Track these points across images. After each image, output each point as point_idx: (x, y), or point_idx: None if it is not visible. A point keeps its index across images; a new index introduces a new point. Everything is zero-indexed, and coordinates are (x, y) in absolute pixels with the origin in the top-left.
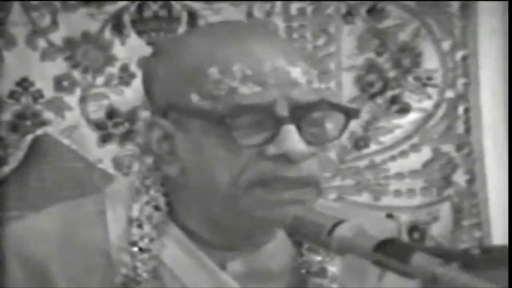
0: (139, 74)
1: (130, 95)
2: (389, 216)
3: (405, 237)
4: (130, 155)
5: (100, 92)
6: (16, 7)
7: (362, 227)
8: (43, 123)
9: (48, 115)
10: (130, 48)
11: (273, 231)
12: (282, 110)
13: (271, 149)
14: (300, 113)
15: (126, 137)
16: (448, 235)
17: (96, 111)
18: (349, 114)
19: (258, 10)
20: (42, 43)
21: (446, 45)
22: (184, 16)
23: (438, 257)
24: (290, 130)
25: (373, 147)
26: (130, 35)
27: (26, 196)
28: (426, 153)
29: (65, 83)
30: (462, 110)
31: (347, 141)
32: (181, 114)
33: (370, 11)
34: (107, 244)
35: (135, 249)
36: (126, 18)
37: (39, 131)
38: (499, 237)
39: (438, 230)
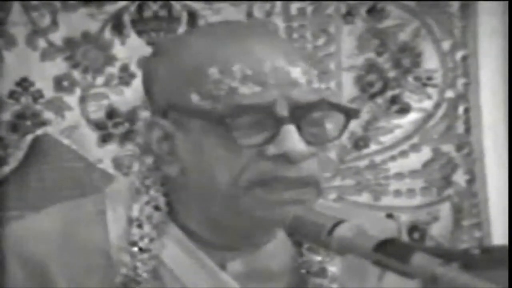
0: (139, 74)
1: (130, 95)
2: (389, 216)
3: (405, 237)
4: (130, 155)
5: (100, 92)
6: (16, 7)
7: (362, 227)
8: (43, 123)
9: (48, 115)
10: (130, 48)
11: (273, 231)
12: (282, 110)
13: (271, 149)
14: (300, 113)
15: (126, 137)
16: (448, 235)
17: (96, 111)
18: (349, 114)
19: (258, 10)
20: (42, 43)
21: (446, 45)
22: (184, 16)
23: (438, 257)
24: (290, 130)
25: (373, 147)
26: (130, 35)
27: (26, 196)
28: (426, 153)
29: (65, 83)
30: (462, 110)
31: (347, 141)
32: (181, 114)
33: (370, 11)
34: (107, 244)
35: (135, 249)
36: (126, 18)
37: (39, 131)
38: (499, 237)
39: (438, 230)
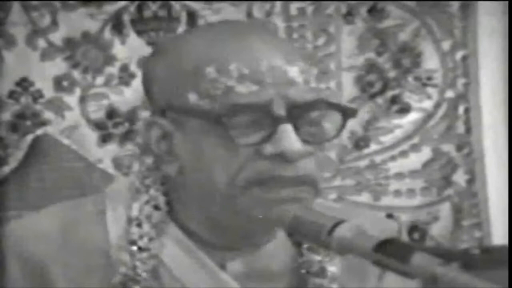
0: (139, 74)
1: (130, 95)
2: (389, 216)
3: (405, 237)
4: (130, 155)
5: (100, 92)
6: (16, 7)
7: (362, 227)
8: (43, 123)
9: (48, 115)
10: (130, 48)
11: (273, 231)
12: (279, 109)
13: (268, 148)
14: (297, 112)
15: (126, 137)
16: (448, 235)
17: (96, 111)
18: (347, 113)
19: (258, 10)
20: (42, 43)
21: (446, 45)
22: (184, 16)
23: (438, 257)
24: (287, 129)
25: (373, 147)
26: (130, 35)
27: (26, 196)
28: (426, 153)
29: (65, 83)
30: (462, 110)
31: (347, 141)
32: (180, 113)
33: (370, 11)
34: (107, 244)
35: (134, 248)
36: (126, 18)
37: (39, 131)
38: (499, 237)
39: (438, 230)
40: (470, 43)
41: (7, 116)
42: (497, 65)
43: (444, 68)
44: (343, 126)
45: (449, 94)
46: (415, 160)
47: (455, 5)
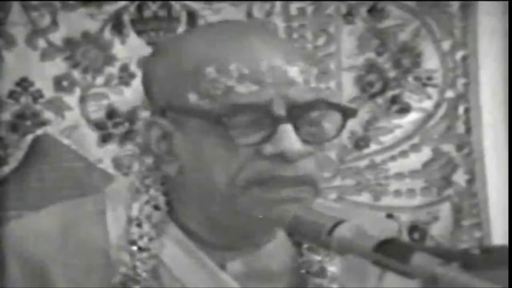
0: (139, 74)
1: (130, 95)
2: (389, 216)
3: (405, 237)
4: (130, 155)
5: (100, 92)
6: (16, 7)
7: (362, 227)
8: (43, 123)
9: (48, 115)
10: (130, 48)
11: (273, 231)
12: (279, 109)
13: (268, 148)
14: (297, 112)
15: (126, 137)
16: (448, 235)
17: (96, 111)
18: (347, 113)
19: (258, 10)
20: (42, 43)
21: (446, 45)
22: (184, 16)
23: (438, 257)
24: (287, 129)
25: (373, 147)
26: (130, 35)
27: (26, 196)
28: (426, 153)
29: (65, 83)
30: (462, 110)
31: (348, 141)
32: (180, 113)
33: (370, 11)
34: (107, 244)
35: (134, 248)
36: (126, 18)
37: (39, 131)
38: (499, 237)
39: (438, 230)
40: (470, 43)
41: (7, 116)
42: (497, 65)
43: (444, 68)
44: (343, 126)
45: (449, 94)
46: (415, 160)
47: (455, 5)
